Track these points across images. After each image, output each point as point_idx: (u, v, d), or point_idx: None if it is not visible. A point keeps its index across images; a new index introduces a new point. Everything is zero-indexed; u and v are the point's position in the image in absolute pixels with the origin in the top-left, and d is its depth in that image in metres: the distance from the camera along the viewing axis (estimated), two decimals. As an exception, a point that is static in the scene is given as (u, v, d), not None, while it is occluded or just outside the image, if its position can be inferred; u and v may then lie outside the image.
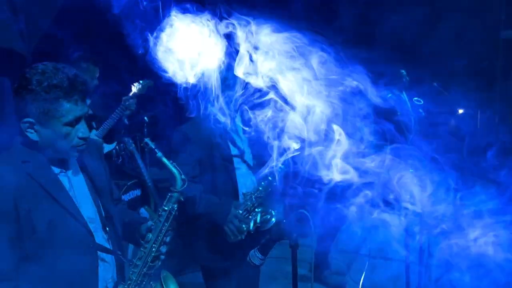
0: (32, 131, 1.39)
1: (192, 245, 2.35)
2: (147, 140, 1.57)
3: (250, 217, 2.22)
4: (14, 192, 1.35)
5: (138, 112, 4.74)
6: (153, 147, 1.56)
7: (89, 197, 1.57)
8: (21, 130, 1.40)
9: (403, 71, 4.97)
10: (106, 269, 1.59)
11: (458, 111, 5.27)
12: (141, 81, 3.72)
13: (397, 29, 4.89)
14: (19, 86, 1.36)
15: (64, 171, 1.51)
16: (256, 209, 2.24)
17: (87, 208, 1.54)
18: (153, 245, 1.58)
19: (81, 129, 1.43)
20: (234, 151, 2.32)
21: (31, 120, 1.37)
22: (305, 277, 3.24)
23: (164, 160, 1.55)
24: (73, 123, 1.41)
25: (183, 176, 1.57)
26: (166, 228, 1.59)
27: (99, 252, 1.55)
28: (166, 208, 1.58)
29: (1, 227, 1.33)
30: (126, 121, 3.97)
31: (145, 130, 4.74)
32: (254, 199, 2.24)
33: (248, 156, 2.38)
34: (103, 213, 1.59)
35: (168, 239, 1.62)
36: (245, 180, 2.34)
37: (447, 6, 5.52)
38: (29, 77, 1.34)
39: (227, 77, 2.19)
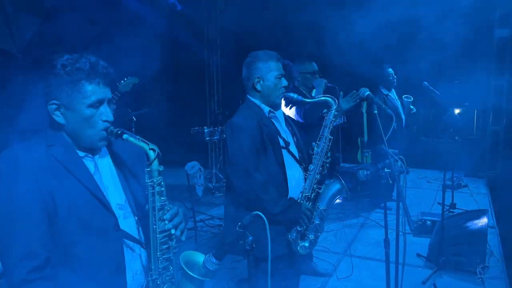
0: (59, 113, 1.44)
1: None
2: (111, 128, 1.46)
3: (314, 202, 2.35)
4: (39, 175, 1.38)
5: (125, 110, 4.74)
6: (115, 130, 1.45)
7: (118, 183, 1.57)
8: (49, 114, 1.44)
9: (390, 69, 4.89)
10: (134, 258, 1.55)
11: (454, 111, 5.18)
12: (125, 78, 3.68)
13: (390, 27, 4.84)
14: (46, 71, 1.42)
15: (90, 155, 1.52)
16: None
17: (116, 194, 1.55)
18: (154, 224, 1.47)
19: (105, 113, 1.46)
20: (280, 141, 2.30)
21: (57, 102, 1.43)
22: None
23: (131, 139, 1.44)
24: (95, 105, 1.44)
25: (150, 146, 1.44)
26: (157, 203, 1.46)
27: (126, 241, 1.52)
28: (149, 182, 1.46)
29: (27, 210, 1.37)
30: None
31: (133, 128, 4.74)
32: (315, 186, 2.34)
33: (294, 148, 2.37)
34: (132, 200, 1.57)
35: (168, 215, 1.48)
36: (294, 173, 2.32)
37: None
38: (55, 63, 1.41)
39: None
